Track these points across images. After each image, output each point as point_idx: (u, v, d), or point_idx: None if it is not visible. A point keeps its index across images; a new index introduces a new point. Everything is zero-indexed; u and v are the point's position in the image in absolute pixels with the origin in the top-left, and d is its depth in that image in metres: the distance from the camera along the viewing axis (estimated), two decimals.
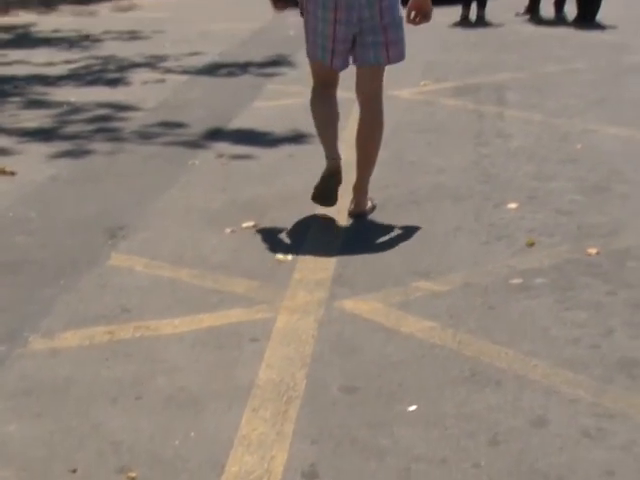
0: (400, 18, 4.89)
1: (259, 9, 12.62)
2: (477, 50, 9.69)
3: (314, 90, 5.06)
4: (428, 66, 8.86)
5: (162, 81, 8.37)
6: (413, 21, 4.85)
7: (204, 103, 7.59)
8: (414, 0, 4.82)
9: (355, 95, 4.99)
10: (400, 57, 4.95)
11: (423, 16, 4.86)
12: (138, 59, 9.32)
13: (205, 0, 13.83)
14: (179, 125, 6.89)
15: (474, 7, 11.39)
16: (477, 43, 10.08)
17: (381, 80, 4.98)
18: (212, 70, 8.84)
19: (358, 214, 5.03)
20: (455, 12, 11.39)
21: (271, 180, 5.67)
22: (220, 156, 6.14)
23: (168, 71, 8.79)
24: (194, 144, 6.43)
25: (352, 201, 5.09)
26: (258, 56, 9.36)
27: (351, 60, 4.91)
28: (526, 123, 6.86)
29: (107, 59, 9.34)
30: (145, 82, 8.32)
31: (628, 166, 5.85)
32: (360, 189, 5.06)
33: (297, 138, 6.54)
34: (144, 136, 6.60)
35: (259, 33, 10.86)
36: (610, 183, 5.54)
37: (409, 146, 6.34)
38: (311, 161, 5.85)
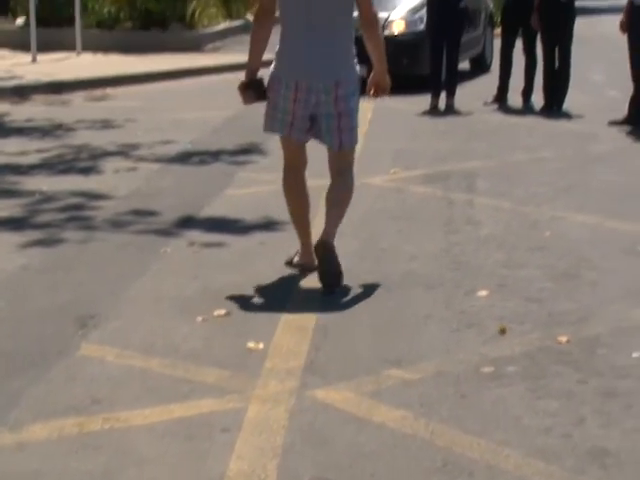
0: (354, 107, 5.36)
1: (231, 97, 12.77)
2: (446, 138, 9.80)
3: (284, 171, 5.53)
4: (398, 154, 8.96)
5: (134, 169, 8.41)
6: (373, 95, 5.44)
7: (176, 191, 7.62)
8: (373, 76, 5.39)
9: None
10: (351, 144, 5.42)
11: (381, 90, 5.43)
12: (111, 147, 9.37)
13: (178, 88, 13.97)
14: (151, 213, 6.91)
15: (443, 96, 11.56)
16: (446, 131, 10.21)
17: (348, 157, 5.45)
18: (184, 158, 8.89)
19: (326, 241, 5.21)
20: (424, 101, 11.54)
21: (243, 268, 5.68)
22: (192, 244, 6.16)
23: (140, 159, 8.83)
24: (166, 232, 6.44)
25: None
26: (230, 144, 9.44)
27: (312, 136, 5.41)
28: (495, 210, 6.93)
29: (80, 148, 9.39)
30: (117, 170, 8.36)
31: (596, 253, 5.92)
32: (331, 225, 5.35)
33: (269, 225, 6.58)
34: (116, 224, 6.61)
35: (231, 121, 10.96)
36: (579, 270, 5.60)
37: (380, 233, 6.38)
38: (283, 248, 5.87)
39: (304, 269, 5.51)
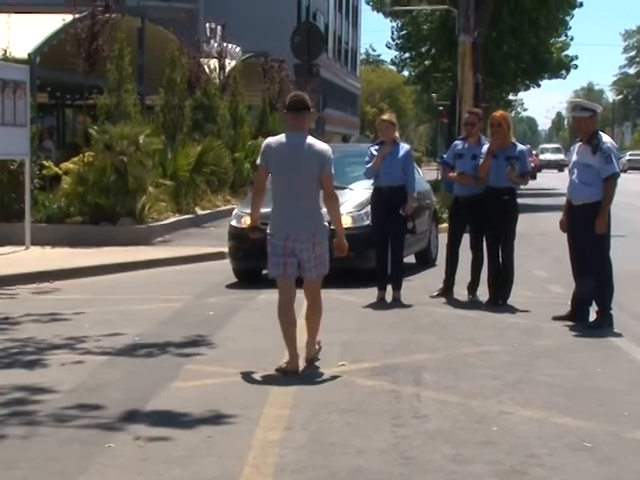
0: (325, 248, 8.08)
1: (180, 289, 12.85)
2: (393, 331, 9.86)
3: (278, 306, 8.06)
4: (345, 346, 8.98)
5: (80, 362, 8.33)
6: (337, 256, 8.14)
7: (122, 384, 7.54)
8: (336, 240, 8.12)
9: None
10: (323, 273, 8.16)
11: (340, 251, 8.13)
12: (57, 341, 9.30)
13: (127, 281, 14.01)
14: (96, 407, 6.81)
15: (389, 289, 11.70)
16: (393, 324, 10.27)
17: (319, 285, 8.19)
18: (131, 350, 8.85)
19: (310, 359, 8.15)
20: (371, 293, 11.67)
21: (189, 462, 5.59)
22: (137, 438, 6.06)
23: (87, 352, 8.76)
24: (111, 426, 6.34)
25: (305, 351, 8.18)
26: (177, 336, 9.41)
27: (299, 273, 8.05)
28: (443, 404, 6.92)
29: (25, 341, 9.31)
30: (63, 364, 8.28)
31: (544, 450, 5.91)
32: (309, 344, 8.19)
33: (216, 419, 6.52)
34: (60, 419, 6.50)
35: (179, 313, 10.98)
36: (527, 467, 5.58)
37: (328, 427, 6.34)
38: (230, 442, 5.80)
39: (289, 373, 7.77)
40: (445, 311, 11.18)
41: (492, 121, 11.47)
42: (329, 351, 8.63)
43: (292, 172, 7.90)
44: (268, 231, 8.04)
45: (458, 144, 12.13)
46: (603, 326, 9.93)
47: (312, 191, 7.96)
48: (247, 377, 7.78)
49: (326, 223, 8.11)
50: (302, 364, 8.04)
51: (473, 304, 11.54)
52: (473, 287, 11.85)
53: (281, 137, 8.13)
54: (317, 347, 8.30)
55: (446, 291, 12.05)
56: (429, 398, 7.10)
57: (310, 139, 8.02)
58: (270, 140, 8.13)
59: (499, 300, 11.38)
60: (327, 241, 8.06)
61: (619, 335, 9.69)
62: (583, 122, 10.04)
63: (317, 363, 8.17)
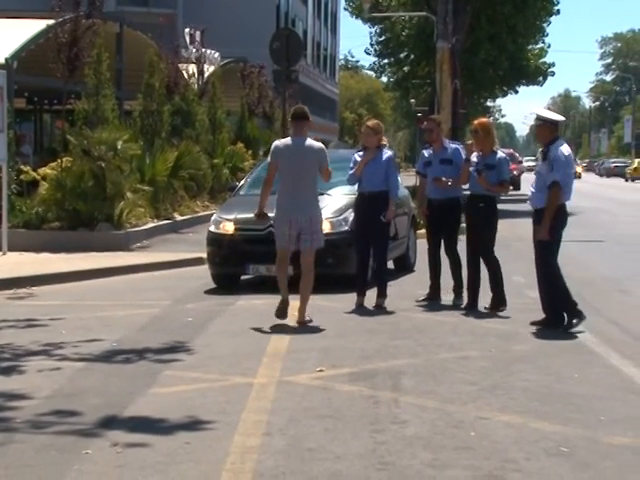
0: (320, 226, 10.59)
1: (158, 295, 12.80)
2: (372, 336, 9.84)
3: (277, 261, 10.58)
4: (324, 352, 8.97)
5: (58, 369, 8.27)
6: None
7: (100, 390, 7.51)
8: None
9: None
10: (318, 245, 10.55)
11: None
12: (34, 347, 9.25)
13: (105, 286, 13.96)
14: (73, 414, 6.78)
15: (369, 294, 11.69)
16: (372, 329, 10.26)
17: (311, 259, 10.49)
18: (109, 356, 8.80)
19: (300, 321, 10.39)
20: (350, 299, 11.67)
21: (167, 469, 5.57)
22: (115, 445, 6.03)
23: (64, 358, 8.71)
24: (88, 433, 6.31)
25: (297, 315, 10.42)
26: (156, 342, 9.39)
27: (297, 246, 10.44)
28: (421, 410, 6.92)
29: (2, 348, 9.25)
30: (40, 370, 8.22)
31: (521, 454, 5.93)
32: (301, 309, 10.41)
33: (194, 425, 6.50)
34: (36, 426, 6.47)
35: (158, 319, 10.94)
36: (504, 472, 5.59)
37: (307, 433, 6.33)
38: (208, 448, 5.78)
39: (279, 313, 10.35)
40: (424, 316, 11.20)
41: (471, 128, 11.71)
42: (307, 357, 8.61)
43: (296, 167, 10.30)
44: (275, 213, 10.49)
45: (425, 153, 12.42)
46: (551, 327, 10.12)
47: (311, 182, 10.41)
48: (225, 383, 7.75)
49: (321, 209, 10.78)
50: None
51: (456, 308, 11.56)
52: (456, 290, 11.92)
53: (287, 140, 10.64)
54: (308, 318, 10.43)
55: (432, 295, 12.09)
56: (407, 403, 7.10)
57: (309, 141, 10.42)
58: (277, 142, 10.67)
59: (476, 304, 11.43)
60: (320, 224, 10.58)
61: (596, 340, 9.71)
62: (539, 131, 10.44)
63: (295, 369, 8.15)
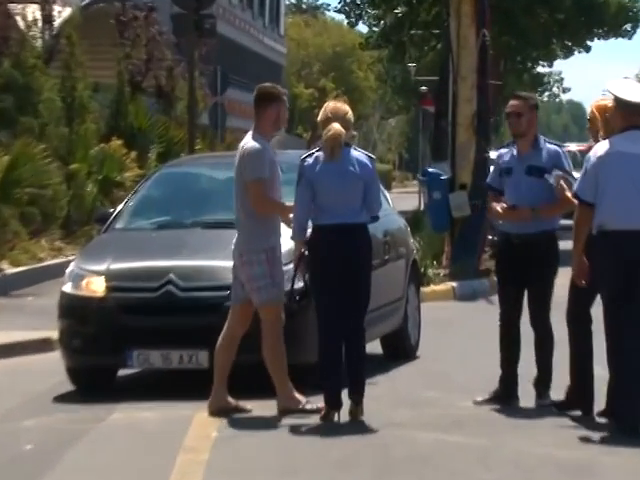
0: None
1: None
2: (346, 472, 6.91)
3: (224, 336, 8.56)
4: None
5: None
6: None
7: None
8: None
9: None
10: (269, 295, 8.43)
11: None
12: None
13: None
14: None
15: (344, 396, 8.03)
16: (344, 461, 7.11)
17: (266, 313, 8.27)
18: None
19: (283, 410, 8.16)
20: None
21: None
22: None
23: None
24: None
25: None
26: None
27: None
28: None
29: None
30: None
31: None
32: (278, 391, 8.34)
33: None
34: None
35: None
36: None
37: None
38: None
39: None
40: (431, 437, 7.82)
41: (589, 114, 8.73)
42: None
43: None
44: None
45: (504, 153, 8.93)
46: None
47: (240, 205, 8.55)
48: None
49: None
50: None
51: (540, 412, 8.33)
52: (541, 383, 8.63)
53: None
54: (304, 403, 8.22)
55: (504, 393, 8.61)
56: None
57: (246, 139, 8.38)
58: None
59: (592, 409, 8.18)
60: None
61: None
62: (611, 116, 8.15)
63: None
